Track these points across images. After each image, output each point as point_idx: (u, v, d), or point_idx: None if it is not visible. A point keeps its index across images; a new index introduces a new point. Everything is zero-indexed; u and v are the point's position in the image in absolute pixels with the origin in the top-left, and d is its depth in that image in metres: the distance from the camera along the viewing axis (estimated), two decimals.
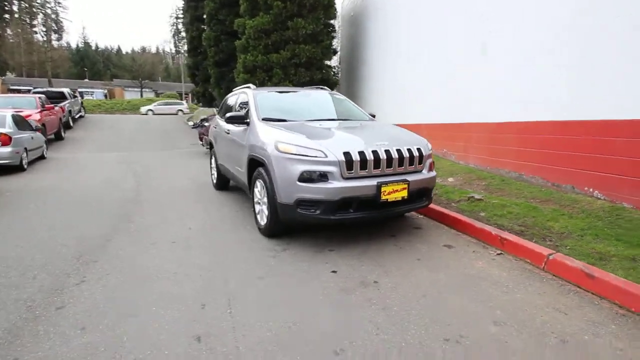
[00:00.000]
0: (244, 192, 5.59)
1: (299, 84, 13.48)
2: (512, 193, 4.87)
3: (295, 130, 3.54)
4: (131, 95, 43.46)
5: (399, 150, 3.28)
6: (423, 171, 3.49)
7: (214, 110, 12.59)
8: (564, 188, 4.68)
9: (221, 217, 4.37)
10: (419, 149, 3.43)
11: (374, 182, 3.12)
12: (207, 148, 10.66)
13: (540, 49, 4.99)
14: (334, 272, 2.83)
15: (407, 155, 3.32)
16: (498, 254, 3.13)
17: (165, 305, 2.35)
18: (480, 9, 6.21)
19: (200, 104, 21.61)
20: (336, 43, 15.25)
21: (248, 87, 4.93)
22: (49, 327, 2.14)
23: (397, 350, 1.88)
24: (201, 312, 2.27)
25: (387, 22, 11.62)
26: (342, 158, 3.06)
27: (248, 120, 4.13)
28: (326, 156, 3.06)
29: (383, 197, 3.13)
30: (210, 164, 6.31)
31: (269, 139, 3.45)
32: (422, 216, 4.31)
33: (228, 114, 4.23)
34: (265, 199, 3.52)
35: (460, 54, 6.74)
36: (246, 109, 4.37)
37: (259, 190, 3.73)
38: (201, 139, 11.55)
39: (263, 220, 3.68)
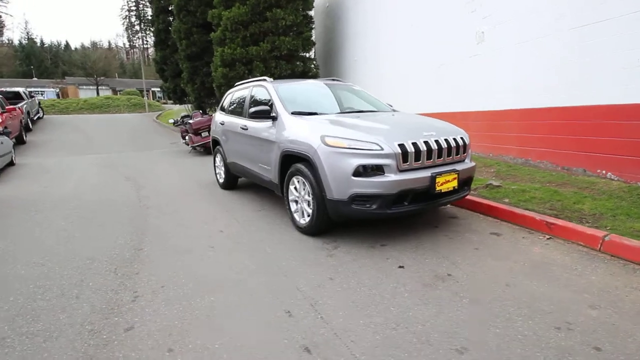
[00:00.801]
0: (259, 191, 5.41)
1: (280, 77, 13.21)
2: (524, 178, 5.01)
3: (335, 124, 3.42)
4: (86, 93, 40.74)
5: (446, 140, 3.26)
6: (466, 160, 3.50)
7: (188, 107, 12.03)
8: (575, 171, 4.89)
9: (248, 219, 4.16)
10: (462, 138, 3.42)
11: (428, 173, 3.07)
12: (191, 147, 10.18)
13: (540, 35, 5.16)
14: (401, 267, 2.76)
15: (454, 144, 3.31)
16: (548, 239, 3.20)
17: (249, 316, 2.18)
18: None
19: (171, 100, 20.61)
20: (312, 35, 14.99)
21: (263, 80, 4.71)
22: (128, 352, 1.91)
23: (519, 343, 1.85)
24: (292, 320, 2.13)
25: (367, 13, 11.57)
26: (398, 150, 2.99)
27: (274, 115, 3.94)
28: (382, 149, 2.96)
29: (437, 188, 3.10)
30: (214, 162, 6.02)
31: (312, 133, 3.30)
32: (450, 205, 4.34)
33: (252, 109, 4.01)
34: (308, 196, 3.38)
35: (452, 43, 6.84)
36: (267, 103, 4.16)
37: (296, 187, 3.58)
38: (184, 137, 11.02)
39: (303, 218, 3.53)
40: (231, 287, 2.55)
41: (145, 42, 61.90)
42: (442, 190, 3.14)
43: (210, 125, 10.15)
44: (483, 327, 2.00)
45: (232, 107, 5.37)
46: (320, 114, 3.92)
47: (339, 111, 4.09)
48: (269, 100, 4.21)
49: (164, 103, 39.28)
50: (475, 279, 2.53)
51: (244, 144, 4.65)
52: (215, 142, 5.92)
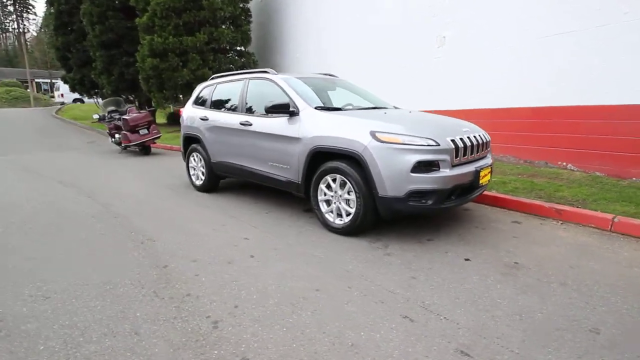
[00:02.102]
0: (248, 191, 5.03)
1: (219, 71, 12.40)
2: (496, 171, 5.56)
3: (377, 119, 3.33)
4: None
5: (480, 136, 3.42)
6: (488, 155, 3.72)
7: (98, 101, 10.50)
8: (537, 164, 5.59)
9: (263, 223, 3.81)
10: (486, 135, 3.63)
11: (472, 167, 3.19)
12: (123, 147, 8.91)
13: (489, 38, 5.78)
14: (467, 260, 2.82)
15: (484, 140, 3.49)
16: (562, 224, 3.60)
17: (373, 326, 1.99)
18: None
19: (77, 93, 17.74)
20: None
21: (265, 72, 4.35)
22: None
23: None
24: (419, 325, 2.00)
25: (308, 13, 11.50)
26: (452, 146, 3.03)
27: (293, 110, 3.68)
28: (438, 144, 2.98)
29: (480, 182, 3.24)
30: (188, 162, 5.38)
31: (358, 129, 3.16)
32: None
33: (271, 104, 3.66)
34: (349, 195, 3.23)
35: (413, 45, 7.24)
36: (280, 98, 3.84)
37: (329, 186, 3.40)
38: (112, 136, 9.61)
39: (339, 219, 3.37)
40: (318, 298, 2.29)
41: (22, 26, 52.23)
42: (482, 184, 3.30)
43: (149, 121, 9.06)
44: (595, 310, 2.15)
45: (218, 101, 4.85)
46: (344, 109, 3.78)
47: (357, 107, 3.99)
48: (281, 94, 3.91)
49: (52, 97, 33.78)
50: (543, 265, 2.71)
51: (245, 141, 4.24)
52: (191, 140, 5.30)
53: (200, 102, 5.21)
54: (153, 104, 13.11)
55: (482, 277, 2.53)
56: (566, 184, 4.67)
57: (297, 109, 3.67)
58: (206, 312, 2.17)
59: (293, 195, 3.91)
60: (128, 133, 8.77)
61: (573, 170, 5.16)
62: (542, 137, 5.49)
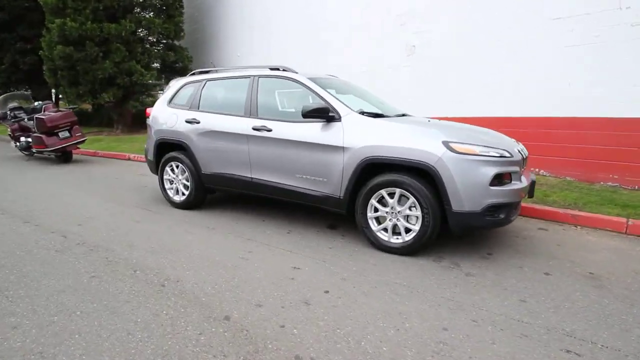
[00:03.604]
0: (237, 204, 4.35)
1: (148, 65, 10.89)
2: None
3: (443, 128, 3.10)
4: None
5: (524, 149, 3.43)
6: None
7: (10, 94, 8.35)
8: None
9: (298, 244, 3.27)
10: None
11: (529, 179, 3.17)
12: (34, 152, 7.07)
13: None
14: (547, 274, 2.76)
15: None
16: (581, 228, 3.83)
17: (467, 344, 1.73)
18: None
19: None
20: None
21: (277, 69, 3.78)
22: None
23: None
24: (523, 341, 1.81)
25: (254, 5, 10.80)
26: (521, 157, 2.96)
27: (333, 115, 3.23)
28: (512, 156, 2.87)
29: (534, 193, 3.24)
30: (162, 174, 4.45)
31: (427, 138, 2.88)
32: None
33: (310, 107, 3.14)
34: (410, 211, 2.93)
35: (379, 52, 7.27)
36: (317, 102, 3.34)
37: (383, 202, 3.05)
38: (17, 139, 7.64)
39: (395, 237, 3.05)
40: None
41: None
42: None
43: (71, 121, 7.41)
44: None
45: (212, 101, 4.09)
46: (385, 115, 3.46)
47: (392, 114, 3.71)
48: (311, 96, 3.42)
49: None
50: (613, 273, 2.77)
51: (260, 150, 3.61)
52: (167, 147, 4.39)
53: (179, 101, 4.34)
54: (65, 102, 10.95)
55: (583, 294, 2.47)
56: (548, 189, 5.07)
57: (338, 114, 3.24)
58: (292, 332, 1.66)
59: (302, 209, 3.45)
60: (43, 136, 7.05)
61: (546, 175, 5.66)
62: None
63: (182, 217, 4.06)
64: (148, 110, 4.69)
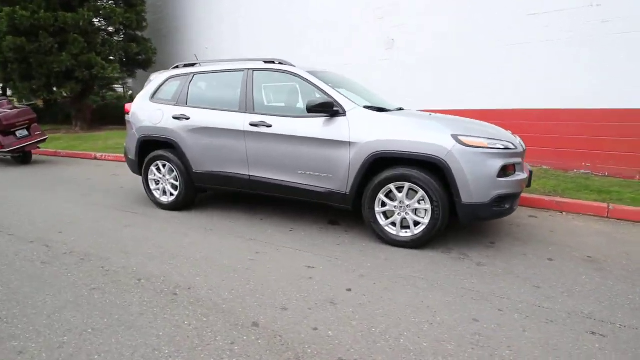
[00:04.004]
0: (227, 202, 4.21)
1: (109, 57, 10.20)
2: None
3: (447, 121, 3.14)
4: None
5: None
6: None
7: None
8: None
9: (304, 242, 3.21)
10: None
11: (527, 170, 3.28)
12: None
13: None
14: (550, 259, 2.88)
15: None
16: (566, 214, 4.05)
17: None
18: None
19: None
20: None
21: (272, 62, 3.64)
22: None
23: None
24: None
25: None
26: (522, 148, 3.05)
27: (337, 110, 3.17)
28: (515, 148, 2.95)
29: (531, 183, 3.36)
30: (147, 174, 4.20)
31: (436, 132, 2.90)
32: None
33: (315, 102, 3.05)
34: (419, 204, 2.95)
35: (357, 45, 7.27)
36: (320, 97, 3.25)
37: (391, 197, 3.05)
38: None
39: (404, 231, 3.06)
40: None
41: None
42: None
43: (30, 119, 6.78)
44: None
45: (202, 96, 3.88)
46: (387, 110, 3.45)
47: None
48: (313, 90, 3.34)
49: None
50: (608, 255, 2.95)
51: (258, 146, 3.48)
52: (151, 145, 4.14)
53: (164, 96, 4.09)
54: (16, 98, 10.05)
55: (588, 277, 2.60)
56: None
57: (343, 108, 3.18)
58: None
59: (297, 205, 3.40)
60: None
61: None
62: None
63: (172, 219, 3.85)
64: (127, 106, 4.38)
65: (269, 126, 3.42)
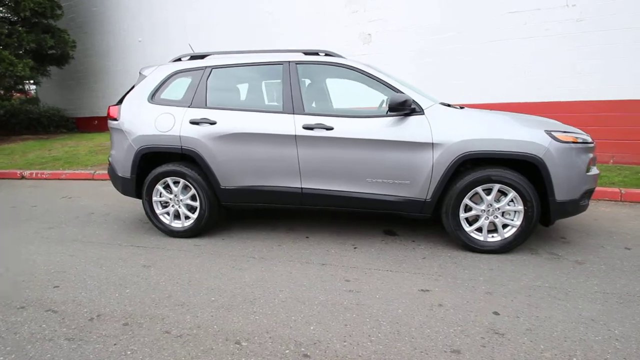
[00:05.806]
0: (248, 220, 3.62)
1: (16, 54, 8.27)
2: None
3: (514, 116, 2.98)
4: None
5: None
6: None
7: None
8: None
9: (384, 259, 2.80)
10: None
11: None
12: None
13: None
14: (627, 248, 2.93)
15: None
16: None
17: None
18: None
19: None
20: None
21: (314, 54, 3.14)
22: None
23: None
24: None
25: None
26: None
27: (414, 108, 2.82)
28: (593, 142, 2.92)
29: None
30: (151, 196, 3.34)
31: (530, 128, 2.72)
32: None
33: (397, 100, 2.64)
34: (508, 206, 2.77)
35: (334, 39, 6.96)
36: (399, 95, 2.82)
37: (481, 199, 2.82)
38: None
39: (492, 236, 2.86)
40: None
41: None
42: None
43: None
44: None
45: (227, 96, 3.19)
46: (454, 106, 3.18)
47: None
48: (377, 85, 2.93)
49: None
50: None
51: (315, 153, 2.95)
52: (166, 158, 3.31)
53: (170, 96, 3.27)
54: None
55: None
56: None
57: (419, 106, 2.83)
58: None
59: (322, 214, 3.03)
60: None
61: None
62: None
63: (198, 249, 3.10)
64: (112, 109, 3.42)
65: (329, 129, 2.91)
